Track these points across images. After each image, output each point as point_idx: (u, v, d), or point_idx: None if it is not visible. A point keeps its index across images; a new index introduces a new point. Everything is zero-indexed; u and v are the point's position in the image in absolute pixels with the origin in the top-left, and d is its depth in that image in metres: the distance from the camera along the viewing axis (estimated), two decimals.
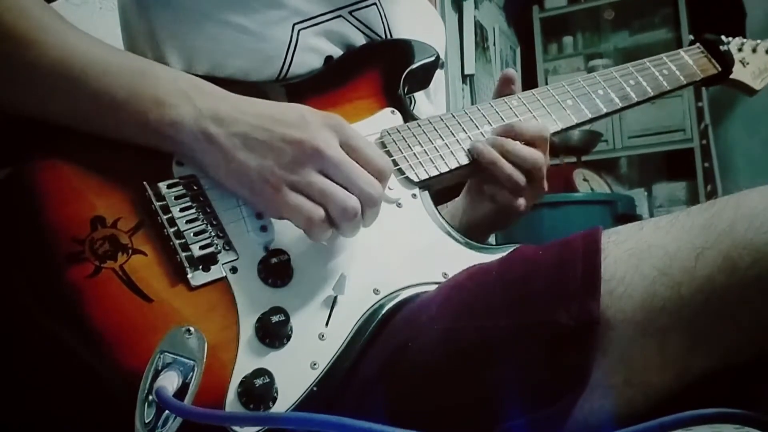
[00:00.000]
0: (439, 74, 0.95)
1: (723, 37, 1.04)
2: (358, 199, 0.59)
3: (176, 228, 0.57)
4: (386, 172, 0.62)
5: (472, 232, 0.83)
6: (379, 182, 0.60)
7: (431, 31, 0.94)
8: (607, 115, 0.88)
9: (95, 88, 0.58)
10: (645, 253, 0.52)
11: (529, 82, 3.82)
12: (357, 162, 0.60)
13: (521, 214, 0.80)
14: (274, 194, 0.58)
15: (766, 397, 0.49)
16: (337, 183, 0.58)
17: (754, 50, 1.09)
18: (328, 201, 0.58)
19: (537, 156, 0.77)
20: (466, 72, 3.23)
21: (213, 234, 0.58)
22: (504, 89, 0.85)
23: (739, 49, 1.07)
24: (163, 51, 0.73)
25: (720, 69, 1.02)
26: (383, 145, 0.72)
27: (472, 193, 0.86)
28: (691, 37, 1.06)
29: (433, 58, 0.83)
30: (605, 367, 0.50)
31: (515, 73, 0.88)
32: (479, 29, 3.44)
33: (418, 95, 0.88)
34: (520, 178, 0.76)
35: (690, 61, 0.99)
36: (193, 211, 0.59)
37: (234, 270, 0.57)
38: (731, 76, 1.04)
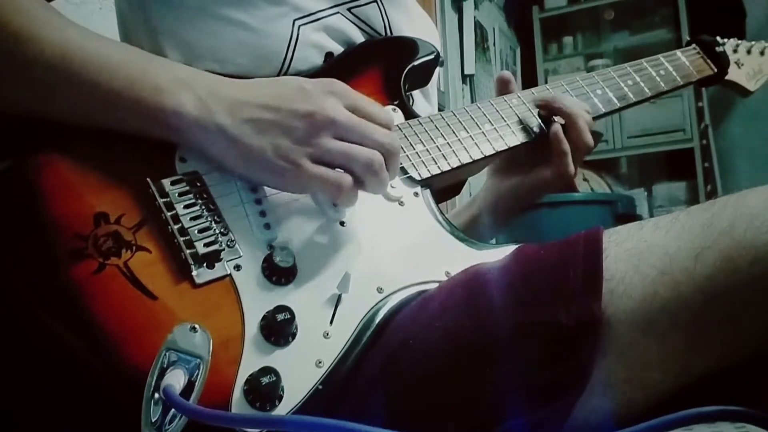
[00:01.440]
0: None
1: (719, 39, 1.05)
2: (379, 152, 0.60)
3: (180, 225, 0.57)
4: (393, 122, 0.64)
5: (495, 211, 0.87)
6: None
7: (430, 32, 0.94)
8: (605, 114, 0.89)
9: (95, 81, 0.58)
10: (645, 252, 0.53)
11: (529, 82, 3.82)
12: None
13: (553, 187, 0.83)
14: (295, 170, 0.59)
15: (766, 395, 0.49)
16: (353, 143, 0.60)
17: (748, 52, 1.10)
18: (352, 161, 0.60)
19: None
20: (466, 72, 3.24)
21: (217, 231, 0.58)
22: (503, 91, 0.86)
23: (734, 51, 1.08)
24: (163, 49, 0.72)
25: (716, 70, 1.03)
26: None
27: (498, 172, 0.88)
28: (688, 38, 1.07)
29: (433, 56, 0.83)
30: (605, 366, 0.51)
31: (510, 74, 0.89)
32: (479, 29, 3.44)
33: (416, 93, 0.88)
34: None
35: (686, 61, 1.00)
36: (197, 208, 0.59)
37: (238, 267, 0.57)
38: (726, 77, 1.05)
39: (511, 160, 0.88)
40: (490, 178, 0.91)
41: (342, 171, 0.60)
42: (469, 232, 0.86)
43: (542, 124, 0.83)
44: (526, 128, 0.82)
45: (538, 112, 0.83)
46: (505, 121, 0.80)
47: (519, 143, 0.80)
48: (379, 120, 0.62)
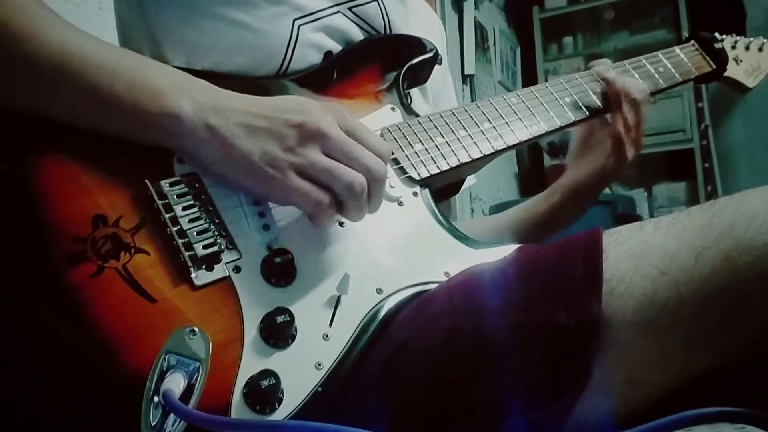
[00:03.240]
0: (444, 73, 0.95)
1: (717, 35, 1.05)
2: (363, 176, 0.59)
3: (179, 227, 0.57)
4: (387, 154, 0.63)
5: (580, 197, 0.92)
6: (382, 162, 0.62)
7: (431, 29, 0.94)
8: (606, 111, 0.89)
9: (94, 82, 0.58)
10: (645, 252, 0.53)
11: (529, 82, 3.81)
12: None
13: (624, 162, 0.89)
14: (279, 179, 0.58)
15: (766, 396, 0.49)
16: (341, 163, 0.59)
17: (747, 48, 1.09)
18: (334, 178, 0.59)
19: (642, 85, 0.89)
20: (466, 72, 3.24)
21: (216, 233, 0.58)
22: None
23: (733, 47, 1.07)
24: (162, 49, 0.72)
25: (714, 66, 1.02)
26: None
27: (576, 160, 0.94)
28: (687, 35, 1.06)
29: (432, 54, 0.83)
30: (605, 366, 0.51)
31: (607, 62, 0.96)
32: (479, 30, 3.44)
33: (414, 92, 0.88)
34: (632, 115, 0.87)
35: (685, 58, 1.00)
36: (196, 209, 0.58)
37: (237, 269, 0.57)
38: (725, 74, 1.05)
39: (584, 148, 0.93)
40: (570, 166, 0.95)
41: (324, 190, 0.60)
42: (550, 222, 0.93)
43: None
44: (526, 126, 0.81)
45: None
46: (504, 119, 0.80)
47: (518, 141, 0.80)
48: (372, 147, 0.61)
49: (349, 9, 0.79)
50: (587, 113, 0.87)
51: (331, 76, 0.75)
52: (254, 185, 0.60)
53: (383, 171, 0.61)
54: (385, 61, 0.80)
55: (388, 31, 0.83)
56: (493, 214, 1.09)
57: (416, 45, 0.82)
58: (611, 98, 0.88)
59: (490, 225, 1.01)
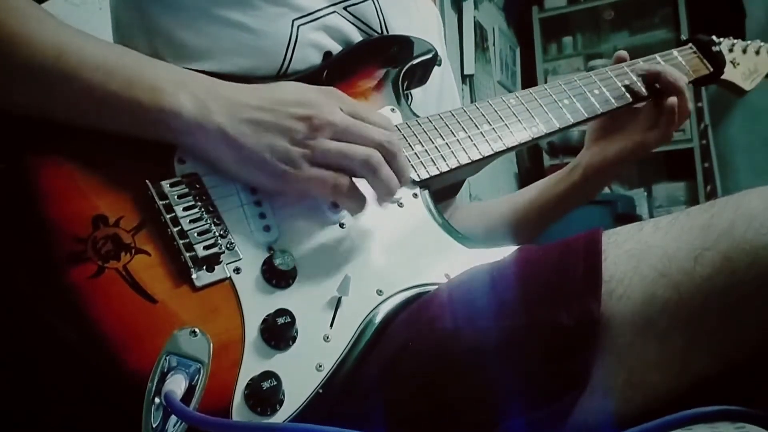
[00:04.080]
0: (443, 71, 0.95)
1: (714, 38, 1.05)
2: (377, 150, 0.60)
3: (180, 227, 0.57)
4: (391, 125, 0.64)
5: (603, 174, 0.94)
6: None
7: (428, 26, 0.94)
8: (603, 114, 0.89)
9: (92, 81, 0.58)
10: (644, 253, 0.53)
11: (529, 82, 3.82)
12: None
13: (670, 137, 0.92)
14: (293, 172, 0.59)
15: (766, 396, 0.49)
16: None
17: (744, 51, 1.10)
18: (348, 158, 0.60)
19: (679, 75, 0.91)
20: (466, 72, 3.23)
21: (217, 234, 0.58)
22: None
23: (730, 50, 1.08)
24: (159, 50, 0.72)
25: (712, 69, 1.03)
26: None
27: (601, 138, 0.95)
28: (685, 38, 1.07)
29: (431, 55, 0.83)
30: (605, 367, 0.51)
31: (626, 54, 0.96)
32: (479, 29, 3.44)
33: (415, 92, 0.88)
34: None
35: (682, 61, 1.00)
36: (197, 210, 0.58)
37: (238, 270, 0.57)
38: (722, 77, 1.05)
39: (613, 127, 0.93)
40: (592, 145, 0.95)
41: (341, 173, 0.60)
42: (567, 199, 0.94)
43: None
44: (524, 128, 0.82)
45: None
46: (503, 121, 0.80)
47: (517, 143, 0.80)
48: (374, 122, 0.63)
49: (345, 8, 0.79)
50: (585, 115, 0.87)
51: (330, 77, 0.75)
52: (268, 182, 0.60)
53: (395, 140, 0.63)
54: (383, 62, 0.80)
55: (383, 29, 0.83)
56: (493, 200, 1.08)
57: (414, 46, 0.82)
58: (666, 84, 0.91)
59: (493, 213, 1.01)
